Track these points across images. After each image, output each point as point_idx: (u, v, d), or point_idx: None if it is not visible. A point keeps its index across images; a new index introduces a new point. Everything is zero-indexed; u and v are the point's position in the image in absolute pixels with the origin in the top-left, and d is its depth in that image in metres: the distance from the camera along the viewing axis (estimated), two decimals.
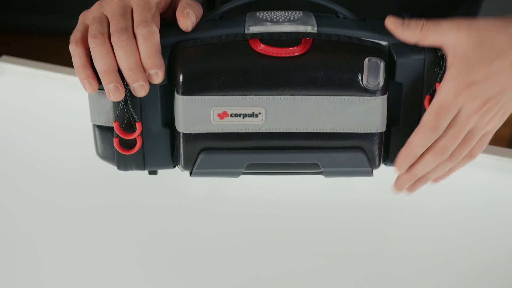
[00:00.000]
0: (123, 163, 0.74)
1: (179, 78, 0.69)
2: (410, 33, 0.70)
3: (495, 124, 0.72)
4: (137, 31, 0.68)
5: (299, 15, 0.73)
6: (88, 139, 0.93)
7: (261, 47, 0.69)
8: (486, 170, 0.91)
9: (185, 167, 0.73)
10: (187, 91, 0.69)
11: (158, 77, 0.68)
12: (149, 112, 0.72)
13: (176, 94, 0.70)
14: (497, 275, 0.80)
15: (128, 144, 0.73)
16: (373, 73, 0.69)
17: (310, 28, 0.72)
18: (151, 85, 0.69)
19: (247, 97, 0.70)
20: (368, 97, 0.70)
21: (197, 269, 0.80)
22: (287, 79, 0.69)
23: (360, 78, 0.69)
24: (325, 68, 0.69)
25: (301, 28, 0.72)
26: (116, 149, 0.73)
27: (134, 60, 0.68)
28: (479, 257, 0.82)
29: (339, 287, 0.79)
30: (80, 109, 1.00)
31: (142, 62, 0.68)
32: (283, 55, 0.69)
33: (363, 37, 0.72)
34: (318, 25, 0.72)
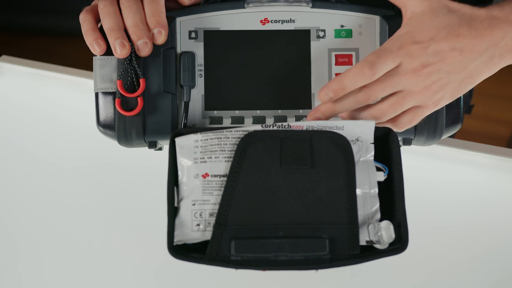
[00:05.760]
0: (123, 129, 0.75)
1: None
2: None
3: (430, 99, 0.71)
4: None
5: None
6: (88, 139, 0.93)
7: None
8: (485, 170, 0.91)
9: None
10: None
11: (161, 36, 0.72)
12: (152, 74, 0.74)
13: None
14: (495, 273, 0.80)
15: (129, 106, 0.74)
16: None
17: (305, 3, 0.76)
18: (155, 48, 0.73)
19: None
20: None
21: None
22: None
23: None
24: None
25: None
26: (117, 113, 0.74)
27: (140, 17, 0.72)
28: (479, 257, 0.82)
29: (341, 285, 0.79)
30: (80, 109, 1.00)
31: (147, 20, 0.72)
32: None
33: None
34: (313, 0, 0.76)
